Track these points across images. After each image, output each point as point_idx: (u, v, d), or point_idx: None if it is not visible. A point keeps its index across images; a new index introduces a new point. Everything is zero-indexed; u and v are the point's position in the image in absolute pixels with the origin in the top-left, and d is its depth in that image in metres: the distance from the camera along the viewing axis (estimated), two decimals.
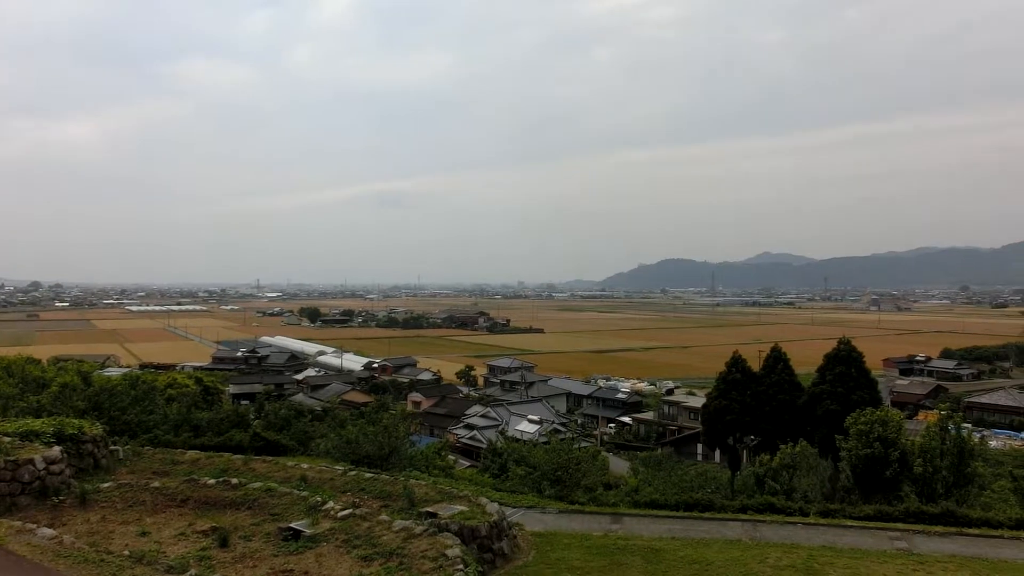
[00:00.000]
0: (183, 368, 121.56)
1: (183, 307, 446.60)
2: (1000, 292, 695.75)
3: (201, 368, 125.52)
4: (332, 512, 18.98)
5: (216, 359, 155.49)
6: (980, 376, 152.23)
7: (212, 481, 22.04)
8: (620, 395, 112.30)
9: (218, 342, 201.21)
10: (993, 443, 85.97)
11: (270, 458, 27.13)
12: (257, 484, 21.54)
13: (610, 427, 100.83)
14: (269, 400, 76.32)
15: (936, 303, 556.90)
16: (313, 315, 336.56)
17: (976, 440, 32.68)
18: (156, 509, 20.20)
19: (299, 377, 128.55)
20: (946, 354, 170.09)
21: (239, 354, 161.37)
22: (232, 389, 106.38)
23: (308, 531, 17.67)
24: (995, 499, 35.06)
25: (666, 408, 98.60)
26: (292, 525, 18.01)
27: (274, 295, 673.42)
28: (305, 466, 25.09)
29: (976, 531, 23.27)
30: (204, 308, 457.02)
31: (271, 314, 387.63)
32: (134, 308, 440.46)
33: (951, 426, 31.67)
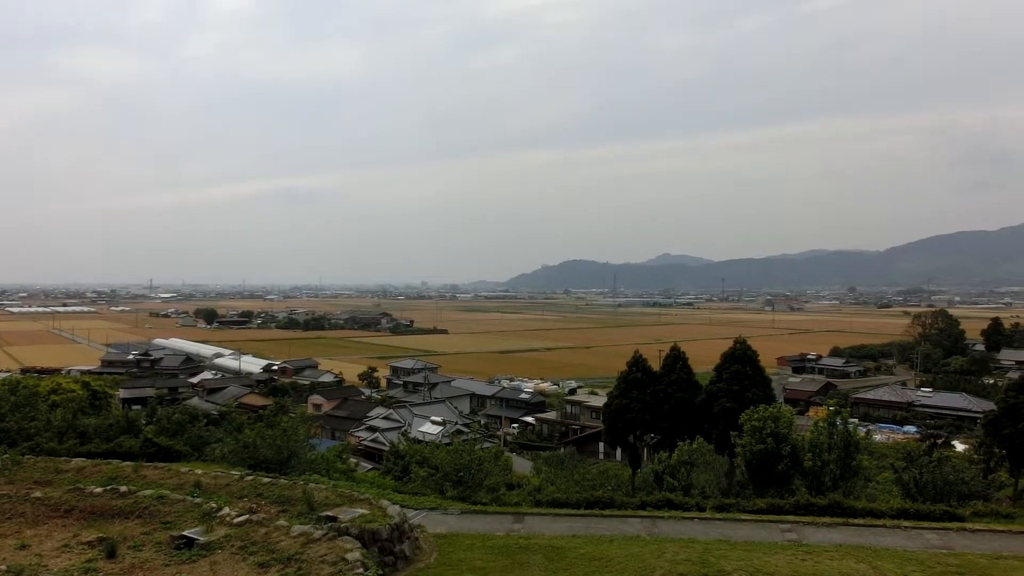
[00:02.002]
0: (69, 372, 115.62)
1: (69, 308, 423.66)
2: (885, 293, 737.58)
3: (89, 372, 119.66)
4: (228, 518, 18.43)
5: (106, 362, 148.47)
6: (866, 373, 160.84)
7: (99, 490, 21.04)
8: (523, 395, 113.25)
9: (108, 345, 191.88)
10: (878, 437, 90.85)
11: (162, 464, 26.10)
12: (148, 491, 20.69)
13: (514, 427, 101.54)
14: (162, 404, 73.34)
15: (826, 303, 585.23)
16: (210, 316, 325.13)
17: (862, 434, 34.53)
18: (37, 520, 19.11)
19: (195, 380, 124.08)
20: (835, 353, 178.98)
21: (130, 357, 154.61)
22: (123, 393, 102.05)
23: (202, 539, 17.10)
24: (880, 490, 37.17)
25: (569, 408, 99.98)
26: (185, 533, 17.40)
27: (168, 296, 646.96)
28: (200, 472, 24.28)
29: (861, 521, 24.57)
30: (92, 309, 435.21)
31: (165, 315, 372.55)
32: (15, 309, 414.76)
33: (838, 421, 33.37)
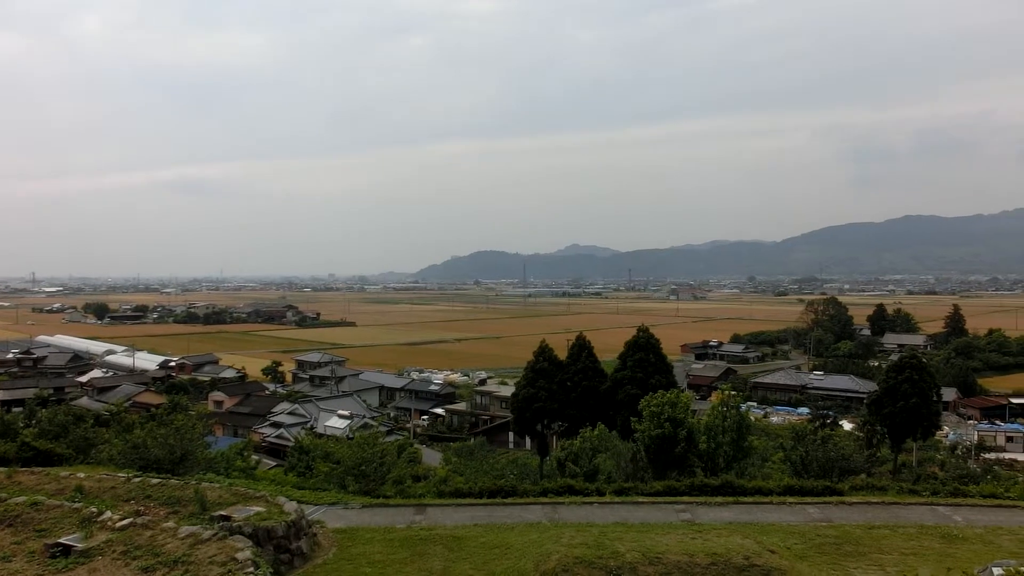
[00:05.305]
0: None
1: None
2: (781, 282, 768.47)
3: None
4: (109, 523, 17.62)
5: None
6: (764, 358, 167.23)
7: None
8: (433, 387, 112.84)
9: None
10: (774, 419, 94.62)
11: (40, 469, 24.67)
12: (21, 498, 19.52)
13: (423, 419, 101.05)
14: (46, 405, 69.54)
15: (727, 292, 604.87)
16: (100, 311, 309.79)
17: (759, 416, 36.13)
18: None
19: (84, 379, 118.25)
20: (736, 339, 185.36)
21: (10, 356, 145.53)
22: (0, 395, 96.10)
23: (80, 545, 16.30)
24: (775, 469, 38.87)
25: (479, 398, 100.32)
26: (61, 540, 16.54)
27: (53, 290, 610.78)
28: (82, 475, 23.09)
29: (750, 499, 25.66)
30: None
31: (50, 311, 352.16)
32: None
33: (732, 404, 34.65)
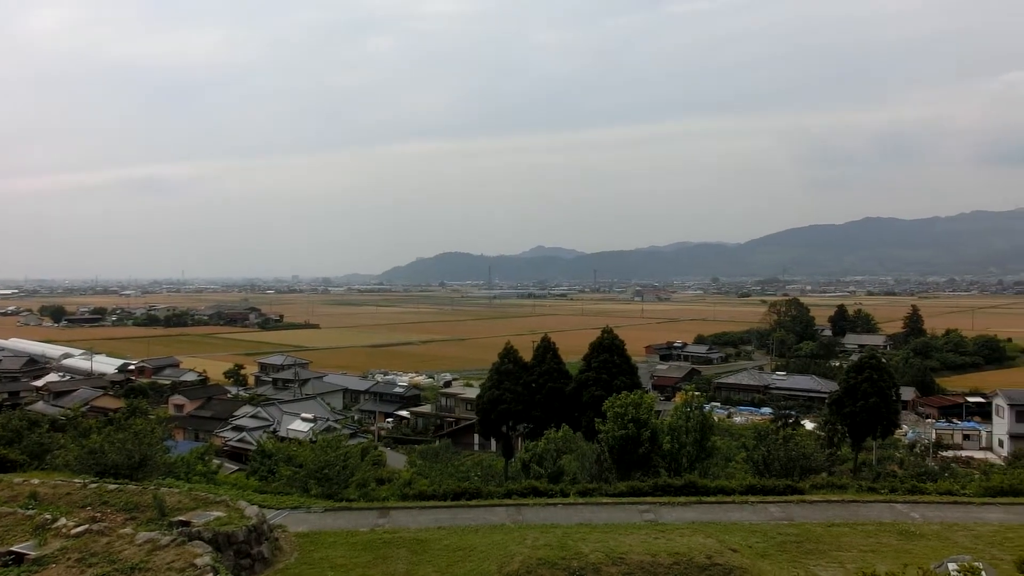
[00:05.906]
0: None
1: None
2: (744, 283, 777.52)
3: None
4: (64, 530, 17.21)
5: None
6: (728, 359, 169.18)
7: None
8: (398, 389, 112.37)
9: None
10: (738, 419, 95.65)
11: None
12: None
13: (388, 422, 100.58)
14: None
15: (691, 293, 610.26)
16: (57, 314, 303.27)
17: (722, 416, 36.50)
18: None
19: (39, 383, 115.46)
20: (699, 340, 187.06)
21: None
22: None
23: (33, 553, 15.91)
24: (739, 469, 39.31)
25: (444, 400, 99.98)
26: (14, 548, 16.14)
27: (8, 292, 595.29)
28: (36, 481, 22.60)
29: (713, 499, 25.85)
30: None
31: (4, 313, 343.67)
32: None
33: (695, 405, 34.96)
